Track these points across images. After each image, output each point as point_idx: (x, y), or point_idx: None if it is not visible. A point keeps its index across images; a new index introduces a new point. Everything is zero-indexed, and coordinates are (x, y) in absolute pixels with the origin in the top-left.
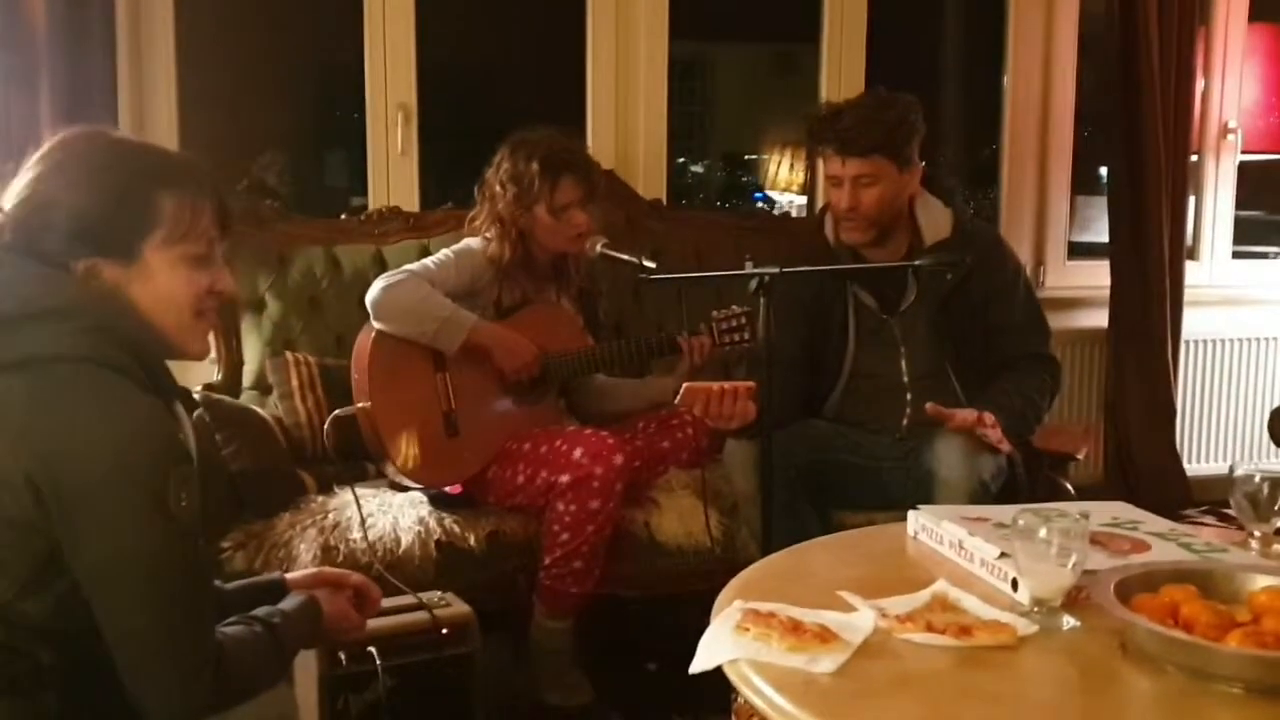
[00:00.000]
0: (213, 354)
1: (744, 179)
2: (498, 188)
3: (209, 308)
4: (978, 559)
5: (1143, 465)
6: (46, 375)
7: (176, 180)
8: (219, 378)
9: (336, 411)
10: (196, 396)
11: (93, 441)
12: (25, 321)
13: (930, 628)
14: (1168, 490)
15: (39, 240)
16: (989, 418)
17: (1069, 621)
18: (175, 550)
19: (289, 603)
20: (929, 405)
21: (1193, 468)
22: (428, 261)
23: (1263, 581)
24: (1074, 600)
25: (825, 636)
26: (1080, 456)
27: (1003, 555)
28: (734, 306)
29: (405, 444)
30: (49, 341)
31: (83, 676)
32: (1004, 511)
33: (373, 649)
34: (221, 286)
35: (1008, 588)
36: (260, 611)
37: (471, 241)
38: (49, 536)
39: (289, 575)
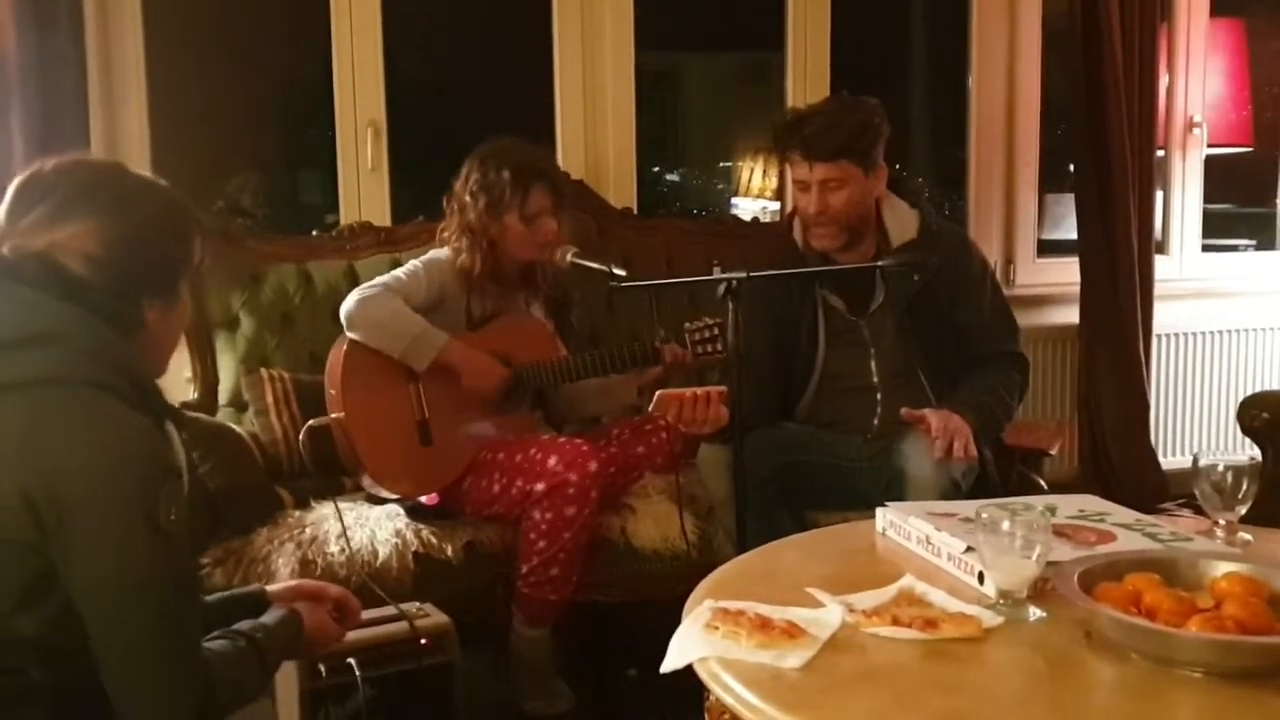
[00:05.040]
0: (189, 372)
1: (719, 187)
2: (467, 198)
3: None
4: (944, 553)
5: (1118, 460)
6: (41, 396)
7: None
8: (195, 395)
9: (311, 422)
10: None
11: (86, 459)
12: (20, 345)
13: (896, 621)
14: (1144, 484)
15: (108, 291)
16: (956, 434)
17: (1035, 612)
18: (166, 564)
19: (270, 616)
20: (903, 410)
21: (1168, 461)
22: (398, 273)
23: (1224, 568)
24: (1039, 591)
25: (793, 632)
26: (1053, 452)
27: (968, 549)
28: (707, 318)
29: (379, 454)
30: (43, 364)
31: (72, 694)
32: (970, 506)
33: (352, 660)
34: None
35: (974, 581)
36: (243, 625)
37: (439, 252)
38: (44, 554)
39: (269, 588)
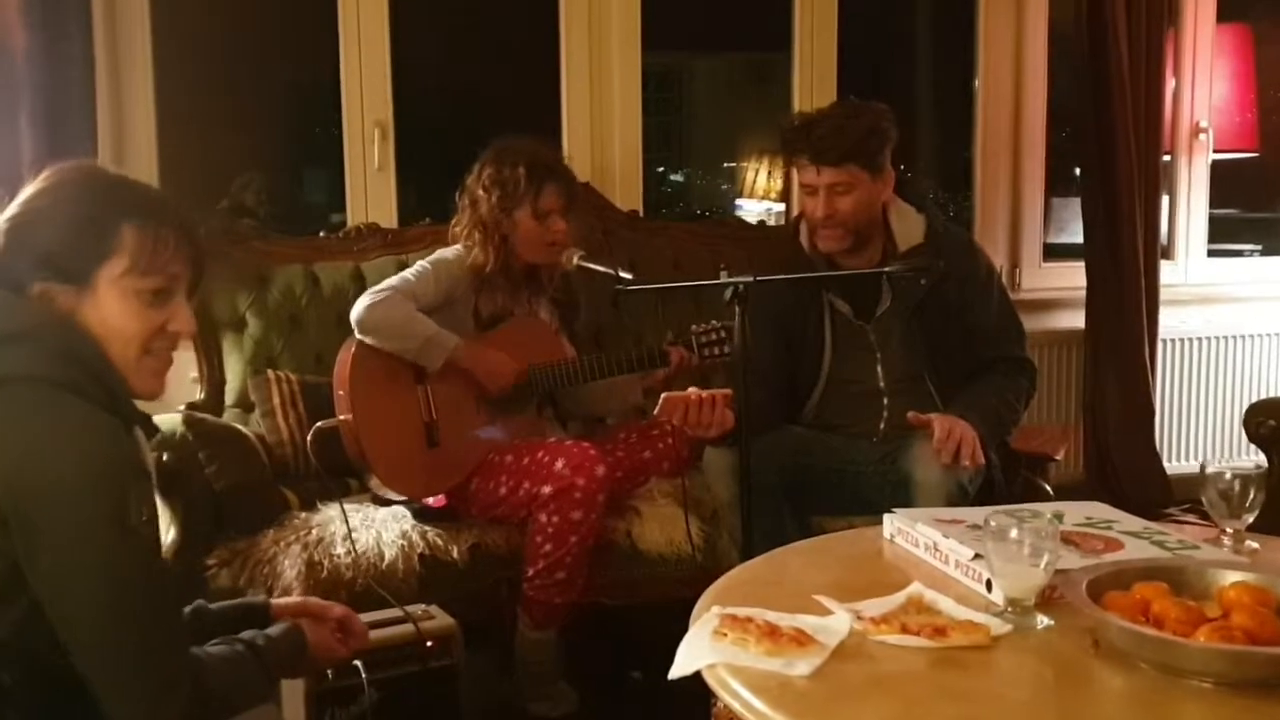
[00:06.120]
0: (194, 373)
1: (723, 187)
2: (480, 192)
3: (160, 347)
4: (952, 561)
5: (1122, 465)
6: (7, 395)
7: (141, 213)
8: (201, 396)
9: (319, 423)
10: (180, 415)
11: (52, 458)
12: None
13: (905, 629)
14: (1148, 489)
15: (6, 265)
16: (963, 441)
17: (1042, 620)
18: (136, 564)
19: (274, 629)
20: (910, 414)
21: (1172, 466)
22: (407, 274)
23: (1232, 577)
24: (1047, 599)
25: (801, 640)
26: (1058, 457)
27: (976, 556)
28: (714, 320)
29: (386, 456)
30: (10, 363)
31: (45, 697)
32: (978, 513)
33: (358, 662)
34: (176, 327)
35: (982, 588)
36: (245, 634)
37: (446, 252)
38: (8, 555)
39: (274, 600)
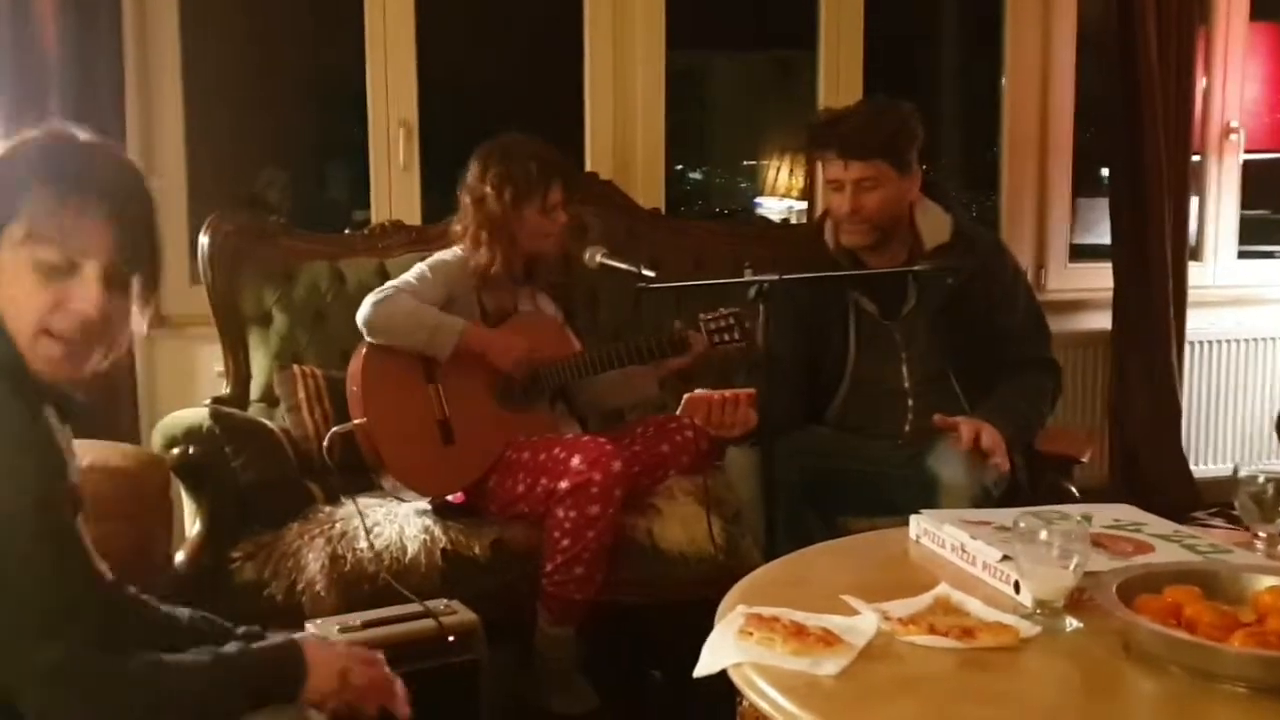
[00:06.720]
0: (220, 367)
1: (742, 185)
2: (488, 190)
3: (57, 328)
4: (980, 562)
5: (1149, 468)
6: None
7: (56, 178)
8: (227, 391)
9: (335, 428)
10: (206, 410)
11: None
12: None
13: (933, 630)
14: (1175, 493)
15: None
16: (989, 438)
17: (1071, 623)
18: (44, 545)
19: (267, 641)
20: (936, 417)
21: (1200, 469)
22: (408, 276)
23: (1267, 582)
24: (1076, 602)
25: (829, 640)
26: (1084, 459)
27: (1005, 558)
28: (723, 308)
29: (402, 456)
30: None
31: None
32: (1006, 515)
33: (380, 656)
34: (73, 306)
35: (1010, 590)
36: (229, 646)
37: (444, 254)
38: None
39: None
